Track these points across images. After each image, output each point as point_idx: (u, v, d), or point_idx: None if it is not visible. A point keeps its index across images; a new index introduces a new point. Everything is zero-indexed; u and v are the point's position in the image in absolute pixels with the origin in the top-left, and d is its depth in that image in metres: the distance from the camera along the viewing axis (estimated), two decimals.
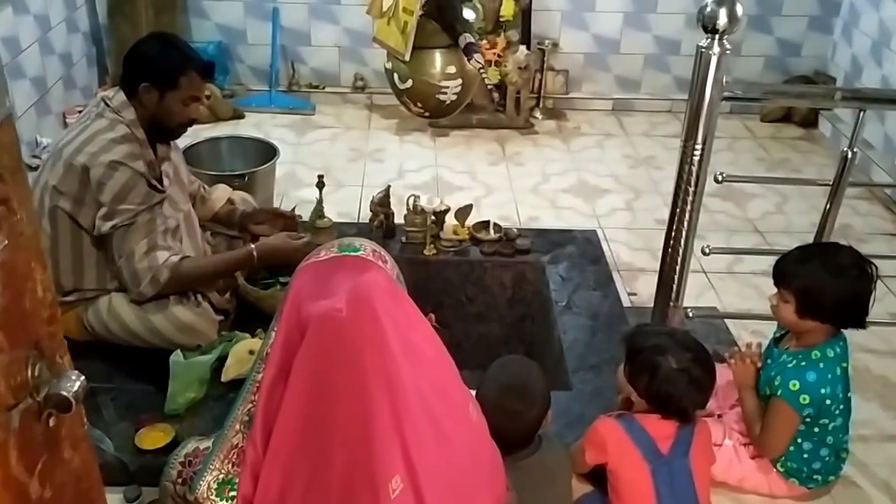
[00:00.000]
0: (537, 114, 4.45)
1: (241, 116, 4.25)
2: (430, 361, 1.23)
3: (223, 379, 2.17)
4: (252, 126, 4.20)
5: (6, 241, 0.56)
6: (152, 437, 2.00)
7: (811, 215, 3.52)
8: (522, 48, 4.16)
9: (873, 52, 4.03)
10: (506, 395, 1.72)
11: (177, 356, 2.11)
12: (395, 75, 2.36)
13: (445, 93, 2.26)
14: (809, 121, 4.43)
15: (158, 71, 2.04)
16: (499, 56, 4.10)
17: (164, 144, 2.18)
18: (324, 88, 4.53)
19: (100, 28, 4.23)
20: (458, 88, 2.29)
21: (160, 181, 2.12)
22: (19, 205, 0.58)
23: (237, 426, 1.35)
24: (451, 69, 2.25)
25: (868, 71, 4.07)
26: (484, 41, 3.97)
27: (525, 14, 4.25)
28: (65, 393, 0.66)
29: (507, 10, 4.12)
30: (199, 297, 2.25)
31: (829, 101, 2.37)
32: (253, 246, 2.22)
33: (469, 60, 2.21)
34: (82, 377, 0.68)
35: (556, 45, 4.43)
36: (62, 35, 3.82)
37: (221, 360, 2.20)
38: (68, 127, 2.11)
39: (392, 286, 1.23)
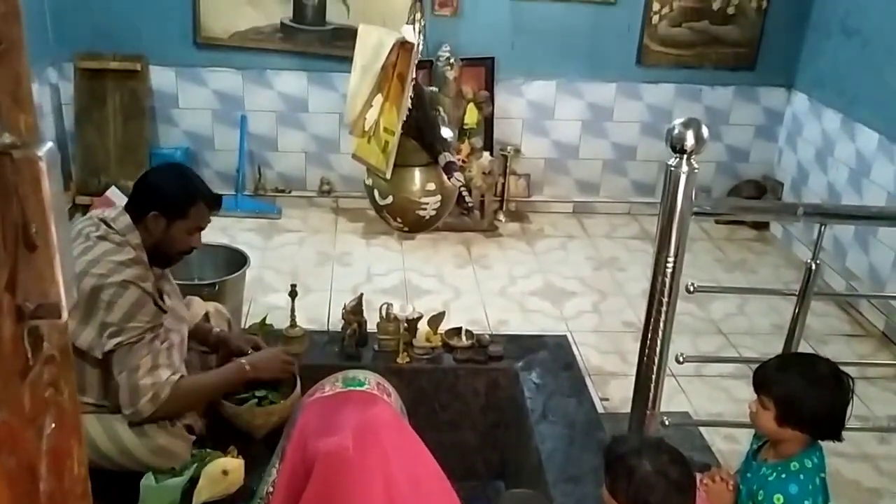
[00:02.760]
0: (501, 216, 4.55)
1: None
2: (435, 494, 1.20)
3: (195, 502, 2.08)
4: (218, 230, 4.18)
5: (53, 425, 0.55)
6: None
7: (771, 316, 3.63)
8: (486, 154, 4.29)
9: (818, 159, 4.25)
10: None
11: (148, 479, 2.02)
12: (376, 192, 2.40)
13: (425, 208, 2.31)
14: (762, 223, 4.62)
15: (170, 202, 2.07)
16: (463, 162, 4.21)
17: (159, 268, 2.17)
18: (290, 192, 4.58)
19: (66, 135, 4.24)
20: (438, 204, 2.34)
21: (162, 300, 2.11)
22: (65, 383, 0.57)
23: None
24: (431, 186, 2.31)
25: (814, 176, 4.28)
26: None
27: (488, 122, 4.41)
28: None
29: (471, 117, 4.27)
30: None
31: (792, 216, 2.48)
32: (244, 361, 2.21)
33: (450, 178, 2.27)
34: None
35: (517, 150, 4.58)
36: None
37: (193, 480, 2.12)
38: None
39: (397, 421, 1.22)
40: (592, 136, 4.65)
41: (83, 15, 4.10)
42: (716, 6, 4.36)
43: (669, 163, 2.12)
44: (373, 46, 2.18)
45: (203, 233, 2.24)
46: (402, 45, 2.15)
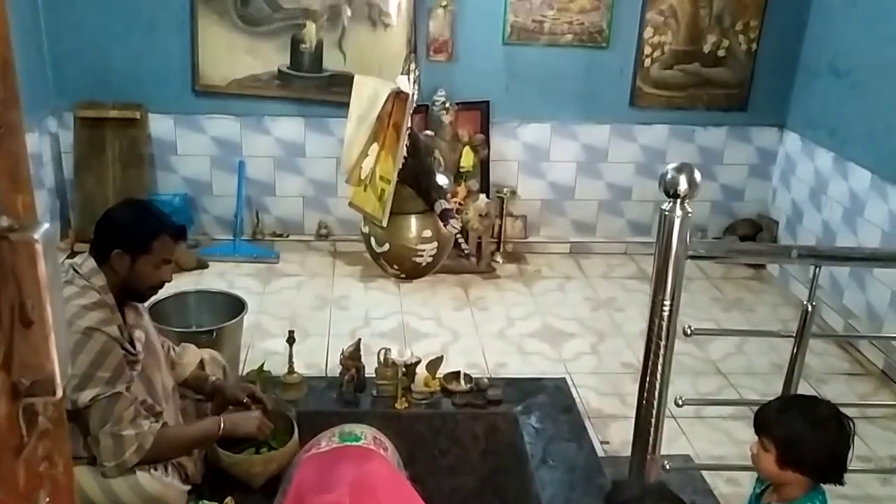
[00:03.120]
0: (498, 258, 4.56)
1: (205, 266, 4.25)
2: None
3: None
4: (216, 275, 4.20)
5: (48, 499, 0.55)
6: None
7: (770, 356, 3.62)
8: (482, 196, 4.32)
9: (812, 197, 4.28)
10: None
11: None
12: (372, 239, 2.42)
13: (421, 255, 2.33)
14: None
15: (131, 237, 2.05)
16: (460, 204, 4.24)
17: (133, 310, 2.16)
18: (288, 236, 4.60)
19: (65, 183, 4.27)
20: (434, 251, 2.36)
21: (132, 345, 2.09)
22: (59, 456, 0.58)
23: None
24: (427, 233, 2.32)
25: (809, 214, 4.31)
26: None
27: (484, 164, 4.45)
28: None
29: (467, 161, 4.31)
30: (167, 464, 2.16)
31: (786, 259, 2.50)
32: (223, 417, 2.22)
33: (446, 226, 2.29)
34: None
35: (514, 192, 4.61)
36: None
37: None
38: None
39: (394, 475, 1.21)
40: (588, 178, 4.69)
41: (83, 65, 4.16)
42: (706, 49, 4.44)
43: (663, 207, 2.14)
44: (368, 97, 2.22)
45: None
46: (398, 96, 2.19)
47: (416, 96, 2.21)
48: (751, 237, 4.65)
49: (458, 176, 4.31)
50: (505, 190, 4.56)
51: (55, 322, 0.52)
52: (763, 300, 4.29)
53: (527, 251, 4.74)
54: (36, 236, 0.47)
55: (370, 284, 4.22)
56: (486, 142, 4.41)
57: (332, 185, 4.52)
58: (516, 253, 4.70)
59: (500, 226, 4.57)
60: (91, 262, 2.05)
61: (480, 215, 4.24)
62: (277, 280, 4.26)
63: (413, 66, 2.22)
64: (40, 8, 4.03)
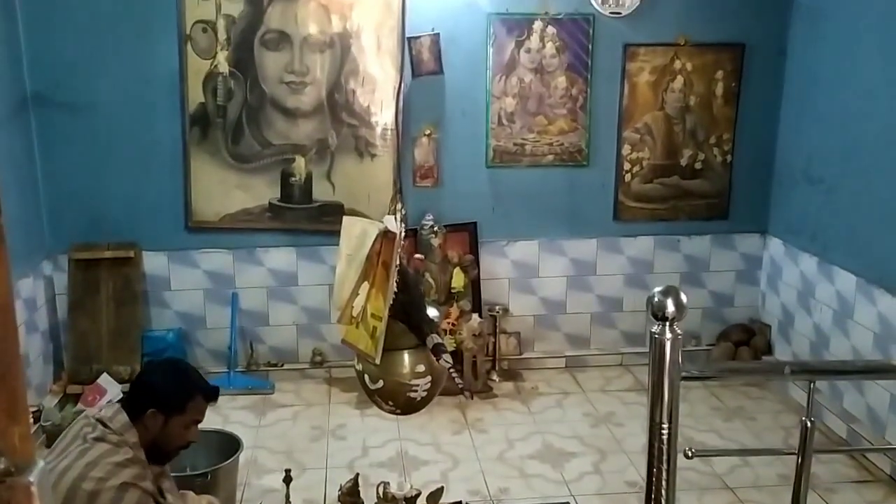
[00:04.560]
0: (494, 376, 4.54)
1: None
2: None
3: None
4: (211, 410, 4.12)
5: None
6: None
7: (776, 466, 3.56)
8: (475, 316, 4.35)
9: (800, 301, 4.32)
10: None
11: None
12: (366, 377, 2.43)
13: (416, 390, 2.33)
14: None
15: (168, 398, 2.11)
16: (453, 325, 4.26)
17: (158, 464, 2.15)
18: (282, 366, 4.57)
19: (59, 325, 4.27)
20: (428, 385, 2.36)
21: (163, 497, 2.08)
22: None
23: None
24: (421, 368, 2.34)
25: (799, 318, 4.33)
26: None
27: (475, 284, 4.50)
28: None
29: (458, 281, 4.37)
30: None
31: (779, 375, 2.51)
32: None
33: (438, 360, 2.31)
34: None
35: (506, 310, 4.64)
36: (21, 338, 3.84)
37: None
38: (54, 450, 2.06)
39: None
40: (578, 291, 4.74)
41: (78, 209, 4.24)
42: (683, 162, 4.58)
43: (653, 330, 2.16)
44: (357, 237, 2.29)
45: None
46: (386, 235, 2.26)
47: (403, 235, 2.28)
48: (745, 342, 4.66)
49: (449, 297, 4.35)
50: (497, 308, 4.59)
51: None
52: (763, 407, 4.25)
53: (523, 367, 4.72)
54: (32, 479, 0.49)
55: (367, 411, 4.17)
56: (476, 262, 4.48)
57: (326, 312, 4.55)
58: (512, 370, 4.68)
59: (495, 344, 4.58)
60: (124, 417, 2.08)
61: (474, 335, 4.26)
62: (273, 411, 4.21)
63: (399, 205, 2.31)
64: (37, 157, 4.15)
